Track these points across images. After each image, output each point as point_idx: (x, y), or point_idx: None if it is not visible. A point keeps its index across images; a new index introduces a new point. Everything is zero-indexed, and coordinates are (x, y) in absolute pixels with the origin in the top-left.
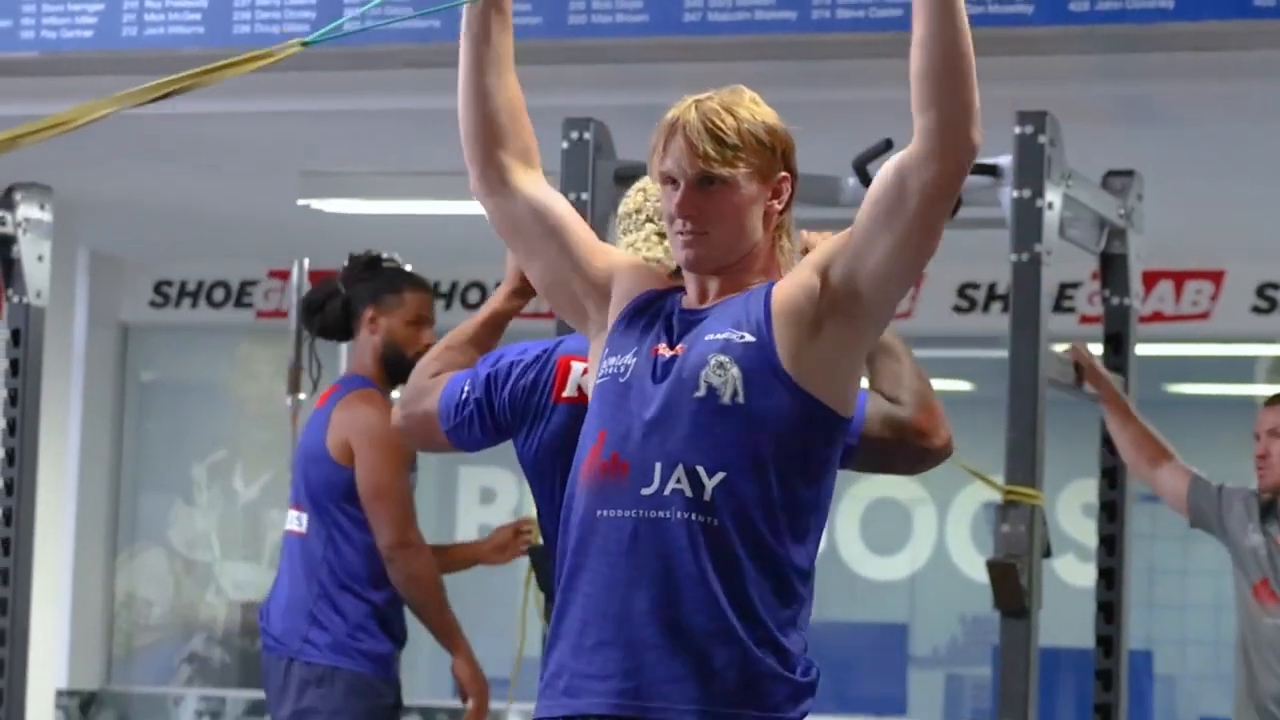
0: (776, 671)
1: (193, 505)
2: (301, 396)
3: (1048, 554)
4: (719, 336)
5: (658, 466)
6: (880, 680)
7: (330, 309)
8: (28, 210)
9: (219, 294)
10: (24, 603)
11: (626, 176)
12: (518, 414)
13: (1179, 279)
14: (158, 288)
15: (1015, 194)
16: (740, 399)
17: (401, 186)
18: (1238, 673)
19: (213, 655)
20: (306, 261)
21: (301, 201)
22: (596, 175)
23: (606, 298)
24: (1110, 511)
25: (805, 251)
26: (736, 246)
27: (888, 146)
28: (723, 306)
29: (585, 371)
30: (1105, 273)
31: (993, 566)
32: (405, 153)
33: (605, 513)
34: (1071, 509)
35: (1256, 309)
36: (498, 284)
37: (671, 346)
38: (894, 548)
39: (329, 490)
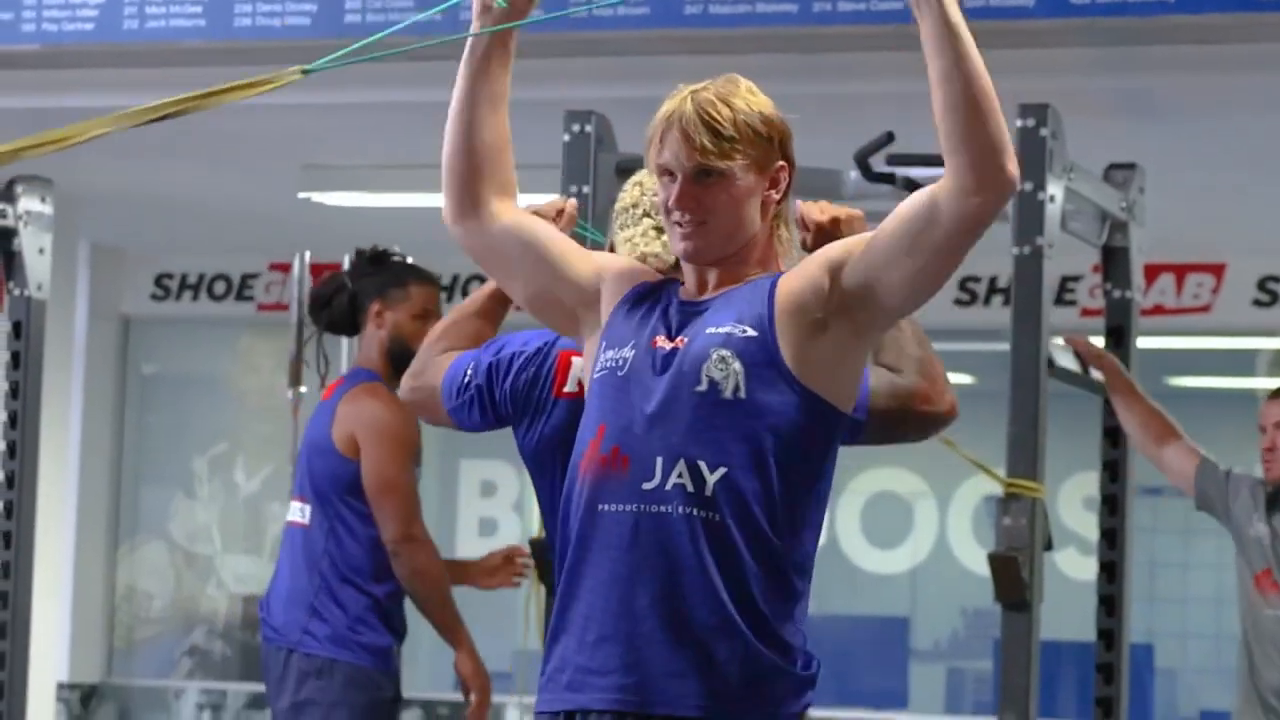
0: (778, 665)
1: (194, 498)
2: (303, 389)
3: (1049, 547)
4: (721, 330)
5: (659, 460)
6: (881, 674)
7: (337, 303)
8: (29, 203)
9: (220, 287)
10: (25, 596)
11: (628, 169)
12: (518, 407)
13: (1180, 272)
14: (159, 280)
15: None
16: (742, 394)
17: (403, 179)
18: (1240, 666)
19: (214, 648)
20: (308, 254)
21: (302, 194)
22: (598, 168)
23: (596, 298)
24: (1111, 505)
25: (801, 221)
26: (735, 237)
27: (889, 139)
28: (724, 298)
29: None
30: (1107, 266)
31: (994, 559)
32: (406, 146)
33: (606, 507)
34: (1073, 502)
35: (1258, 302)
36: None
37: (671, 338)
38: (895, 541)
39: (333, 483)
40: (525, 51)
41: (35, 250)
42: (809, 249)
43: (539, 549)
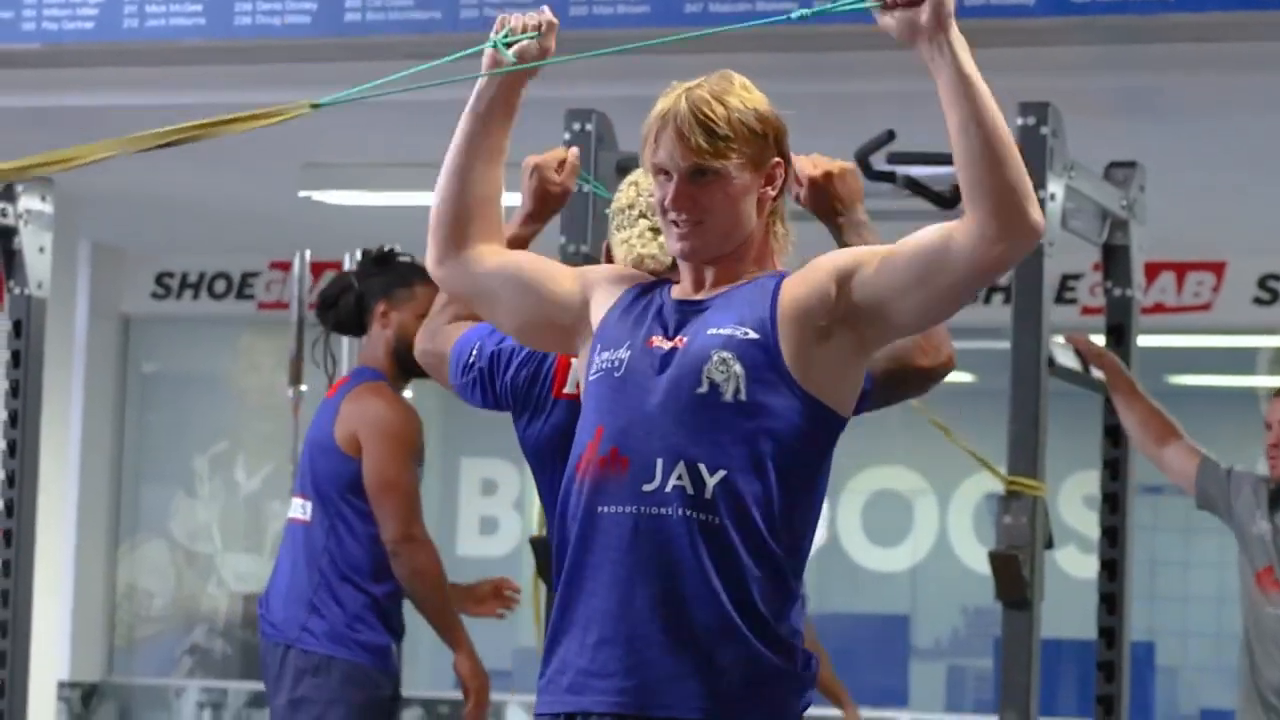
0: (779, 666)
1: (194, 497)
2: (303, 388)
3: (1050, 545)
4: (722, 331)
5: (660, 462)
6: (882, 672)
7: (344, 304)
8: (29, 202)
9: (220, 285)
10: (25, 594)
11: (628, 168)
12: (518, 401)
13: (1181, 270)
14: (159, 279)
15: None
16: (743, 396)
17: (402, 178)
18: (1241, 664)
19: (214, 647)
20: (308, 253)
21: (303, 193)
22: (598, 166)
23: (586, 309)
24: (1112, 503)
25: (798, 178)
26: (732, 236)
27: (890, 137)
28: (725, 297)
29: None
30: (1107, 264)
31: (995, 558)
32: (406, 144)
33: (605, 509)
34: (1073, 500)
35: (1258, 300)
36: None
37: (670, 338)
38: (896, 539)
39: (335, 481)
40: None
41: (35, 249)
42: (803, 204)
43: (540, 547)
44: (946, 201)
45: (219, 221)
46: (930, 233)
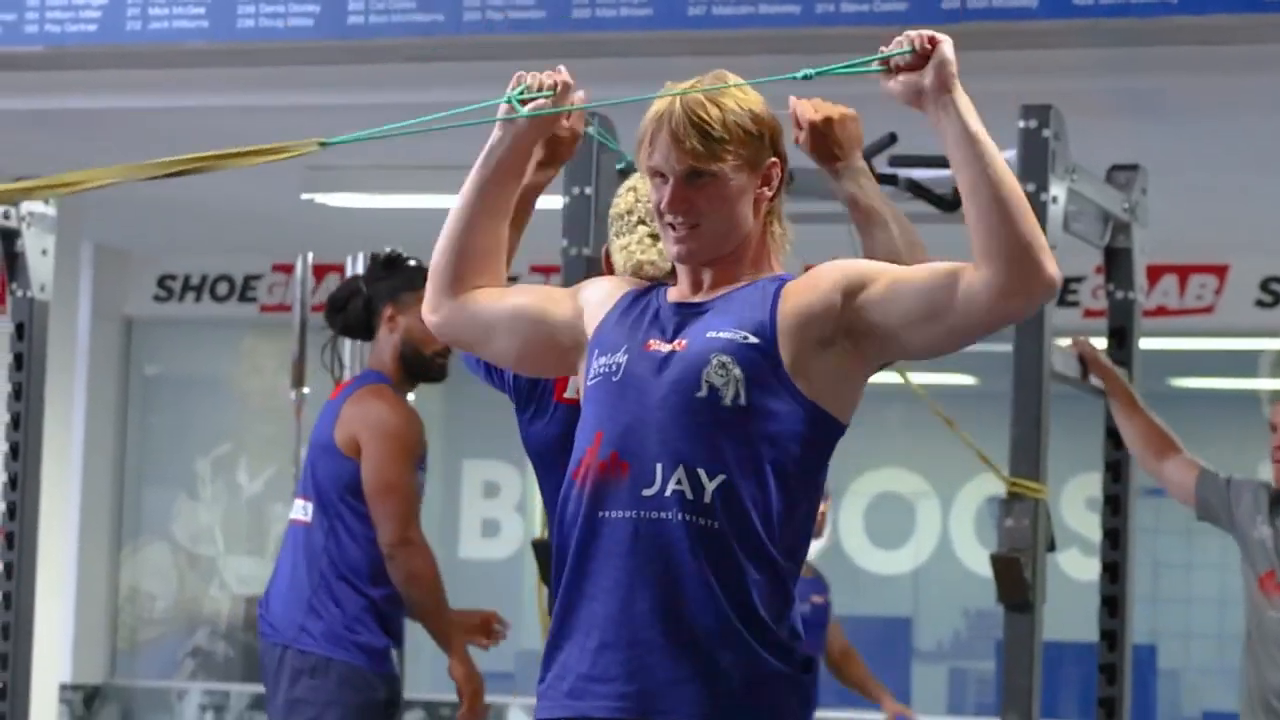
0: (780, 670)
1: (196, 499)
2: (306, 390)
3: (1052, 548)
4: (721, 335)
5: (659, 466)
6: (884, 674)
7: (352, 308)
8: (32, 204)
9: (223, 288)
10: (28, 597)
11: (630, 170)
12: (521, 397)
13: (1183, 273)
14: (162, 282)
15: None
16: (742, 401)
17: (405, 180)
18: (1244, 667)
19: (216, 649)
20: (310, 255)
21: (305, 196)
22: (600, 169)
23: (581, 318)
24: (1114, 505)
25: (794, 118)
26: (729, 238)
27: (892, 140)
28: (724, 300)
29: None
30: (1109, 267)
31: (996, 560)
32: (409, 147)
33: (606, 513)
34: (1075, 503)
35: (1260, 303)
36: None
37: (668, 341)
38: (898, 542)
39: (335, 482)
40: (527, 52)
41: (38, 251)
42: (802, 147)
43: (542, 550)
44: (948, 204)
45: (221, 224)
46: (940, 271)
